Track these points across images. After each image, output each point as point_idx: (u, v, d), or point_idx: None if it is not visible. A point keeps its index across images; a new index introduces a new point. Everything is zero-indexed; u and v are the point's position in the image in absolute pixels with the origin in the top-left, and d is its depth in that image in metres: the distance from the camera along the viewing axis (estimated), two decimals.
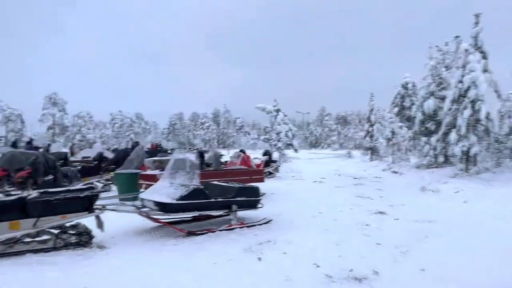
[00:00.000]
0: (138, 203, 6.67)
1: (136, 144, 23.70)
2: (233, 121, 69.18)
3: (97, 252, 4.95)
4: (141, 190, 9.05)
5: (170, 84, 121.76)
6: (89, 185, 5.43)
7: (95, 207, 5.30)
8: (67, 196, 5.03)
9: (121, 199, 8.17)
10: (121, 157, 13.94)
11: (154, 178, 8.69)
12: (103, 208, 5.45)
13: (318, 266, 4.37)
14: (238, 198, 6.32)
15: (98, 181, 11.15)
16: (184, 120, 74.55)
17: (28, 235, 4.88)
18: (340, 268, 4.30)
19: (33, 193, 5.02)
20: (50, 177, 10.06)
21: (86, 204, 5.18)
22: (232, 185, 6.69)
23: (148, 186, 8.74)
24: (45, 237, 5.02)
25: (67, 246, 5.02)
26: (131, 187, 8.98)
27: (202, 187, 6.00)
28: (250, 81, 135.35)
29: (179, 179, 6.04)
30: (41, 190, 5.09)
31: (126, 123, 56.55)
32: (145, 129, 65.95)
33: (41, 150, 14.80)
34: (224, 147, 52.43)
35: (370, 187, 12.35)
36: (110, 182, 11.13)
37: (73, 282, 3.87)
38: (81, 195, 5.11)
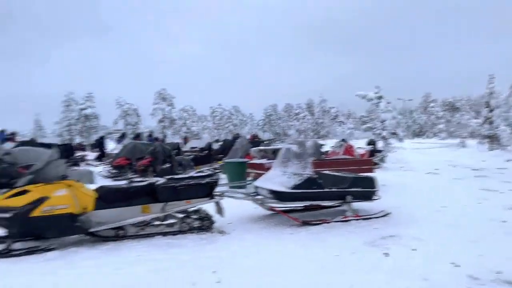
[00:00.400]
0: (247, 190, 6.81)
1: (237, 135, 24.60)
2: (327, 110, 67.79)
3: (219, 237, 5.11)
4: (249, 178, 9.28)
5: (265, 76, 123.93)
6: (210, 173, 5.64)
7: (215, 193, 5.49)
8: (191, 182, 5.28)
9: (230, 187, 8.45)
10: (227, 147, 14.53)
11: (261, 167, 8.80)
12: (222, 194, 5.63)
13: (457, 266, 3.88)
14: (353, 189, 6.01)
15: (208, 170, 11.75)
16: (278, 111, 75.36)
17: (157, 219, 5.25)
18: (485, 269, 3.77)
19: (161, 180, 5.37)
20: (167, 165, 10.86)
21: (208, 190, 5.38)
22: (346, 175, 6.39)
23: (256, 174, 8.91)
24: (171, 221, 5.35)
25: (191, 230, 5.28)
26: (239, 175, 9.22)
27: (315, 176, 5.83)
28: (345, 70, 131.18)
29: (292, 168, 5.95)
30: (168, 177, 5.43)
31: (225, 116, 59.21)
32: (242, 121, 68.32)
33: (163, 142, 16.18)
34: (318, 138, 51.68)
35: (495, 180, 10.89)
36: (219, 171, 11.65)
37: (201, 265, 4.01)
38: (203, 182, 5.32)
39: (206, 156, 12.70)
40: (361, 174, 7.00)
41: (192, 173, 6.40)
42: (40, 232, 4.62)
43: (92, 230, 4.76)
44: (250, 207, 6.59)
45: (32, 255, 4.39)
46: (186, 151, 15.27)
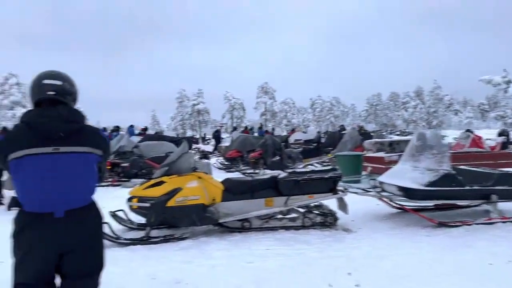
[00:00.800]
0: (364, 185, 6.39)
1: (342, 127, 23.83)
2: (441, 98, 61.91)
3: (345, 235, 4.83)
4: (364, 172, 8.78)
5: (366, 65, 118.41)
6: (332, 167, 5.38)
7: (338, 188, 5.22)
8: (313, 177, 5.09)
9: (345, 181, 8.08)
10: (334, 139, 14.08)
11: (380, 160, 8.24)
12: (346, 190, 5.33)
13: None
14: (500, 187, 5.18)
15: (317, 163, 11.51)
16: (383, 100, 71.23)
17: (280, 212, 5.18)
18: None
19: (283, 173, 5.29)
20: (277, 158, 10.90)
21: (331, 185, 5.14)
22: (490, 171, 5.56)
23: (374, 168, 8.38)
24: (293, 215, 5.24)
25: (313, 225, 5.10)
26: (354, 169, 8.78)
27: (454, 172, 5.16)
28: (460, 55, 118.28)
29: (425, 162, 5.35)
30: (290, 170, 5.33)
31: (326, 107, 58.16)
32: (343, 112, 66.38)
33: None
34: (429, 128, 47.45)
35: None
36: (329, 164, 11.32)
37: (333, 265, 3.79)
38: (326, 176, 5.09)
39: (314, 149, 12.47)
40: (507, 170, 6.04)
41: (314, 167, 6.21)
42: (174, 221, 4.89)
43: (220, 221, 4.88)
44: (371, 204, 6.18)
45: (167, 243, 4.66)
46: (293, 144, 15.23)
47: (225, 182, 5.16)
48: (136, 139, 13.55)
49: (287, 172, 5.27)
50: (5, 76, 30.92)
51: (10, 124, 23.14)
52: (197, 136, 34.02)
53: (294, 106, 59.41)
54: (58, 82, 1.99)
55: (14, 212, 6.58)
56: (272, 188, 5.12)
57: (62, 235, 1.92)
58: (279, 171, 5.53)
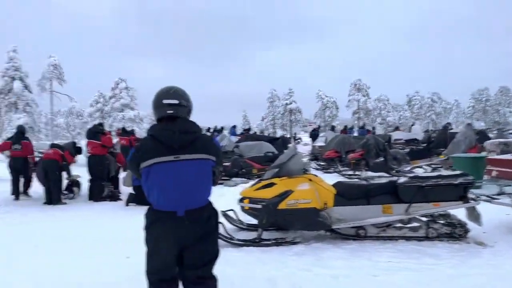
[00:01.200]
0: (485, 191, 5.57)
1: (448, 125, 21.74)
2: None
3: (480, 250, 4.21)
4: (486, 177, 7.74)
5: (467, 59, 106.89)
6: (462, 172, 4.75)
7: (469, 196, 4.58)
8: (440, 182, 4.54)
9: None
10: (443, 139, 12.84)
11: (510, 164, 7.18)
12: (478, 198, 4.67)
13: None
14: None
15: (427, 165, 10.53)
16: (490, 95, 63.50)
17: (399, 221, 4.72)
18: None
19: (403, 178, 4.82)
20: (381, 159, 10.23)
21: (461, 192, 4.53)
22: None
23: (501, 172, 7.33)
24: (415, 224, 4.74)
25: (439, 237, 4.55)
26: (475, 173, 7.76)
27: None
28: None
29: None
30: (411, 175, 4.84)
31: (426, 104, 53.89)
32: (446, 109, 60.85)
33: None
34: None
35: None
36: (440, 166, 10.28)
37: (467, 283, 3.29)
38: (456, 182, 4.50)
39: (424, 149, 11.44)
40: None
41: (441, 172, 5.59)
42: (285, 224, 4.76)
43: (333, 227, 4.60)
44: (500, 213, 5.36)
45: (279, 246, 4.53)
46: (396, 144, 14.24)
47: (338, 185, 4.87)
48: (234, 139, 13.91)
49: (408, 177, 4.78)
50: (115, 81, 34.34)
51: (119, 125, 25.62)
52: (288, 136, 34.01)
53: (389, 103, 56.08)
54: (175, 101, 2.29)
55: (131, 207, 7.08)
56: (391, 193, 4.69)
57: (183, 232, 2.21)
58: (400, 177, 5.05)
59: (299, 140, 28.23)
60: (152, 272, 2.30)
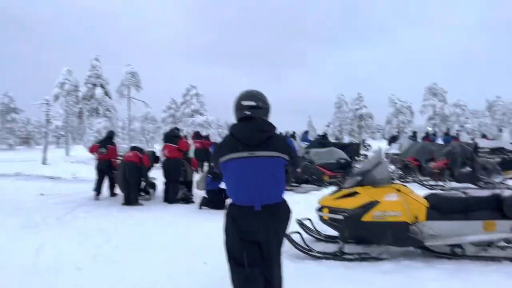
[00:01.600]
0: None
1: None
2: None
3: None
4: None
5: None
6: None
7: None
8: None
9: None
10: None
11: None
12: None
13: None
14: None
15: None
16: None
17: (504, 240, 4.13)
18: None
19: (508, 191, 4.22)
20: (467, 169, 9.32)
21: None
22: None
23: None
24: None
25: None
26: None
27: None
28: None
29: None
30: None
31: (511, 110, 49.05)
32: None
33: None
34: None
35: None
36: None
37: None
38: None
39: None
40: None
41: None
42: (370, 238, 4.39)
43: (426, 244, 4.14)
44: None
45: (363, 262, 4.18)
46: (482, 152, 12.93)
47: (431, 197, 4.39)
48: (304, 145, 13.62)
49: None
50: (187, 87, 35.80)
51: (190, 130, 26.55)
52: (356, 142, 32.83)
53: (467, 109, 51.89)
54: (253, 103, 2.48)
55: (204, 210, 7.07)
56: (494, 208, 4.12)
57: (260, 225, 2.37)
58: (500, 189, 4.45)
59: (368, 147, 27.10)
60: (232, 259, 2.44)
